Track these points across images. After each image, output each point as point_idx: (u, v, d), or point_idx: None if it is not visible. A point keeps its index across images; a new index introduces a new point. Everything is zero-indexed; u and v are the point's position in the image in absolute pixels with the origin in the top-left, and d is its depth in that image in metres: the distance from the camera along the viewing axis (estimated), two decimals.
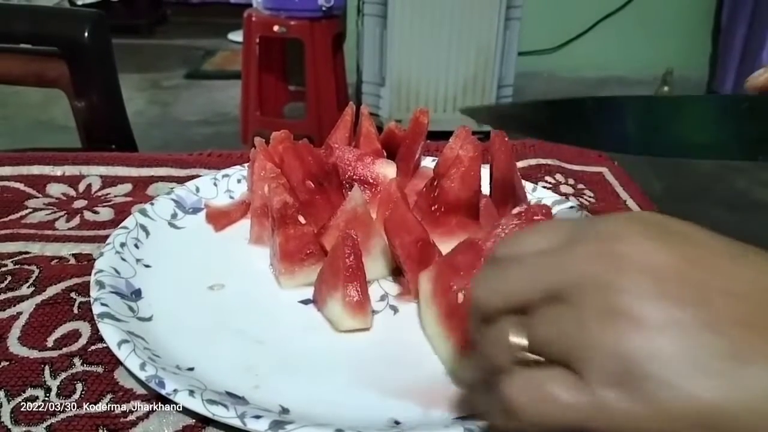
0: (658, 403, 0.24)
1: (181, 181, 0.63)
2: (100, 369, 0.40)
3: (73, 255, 0.52)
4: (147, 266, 0.49)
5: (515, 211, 0.41)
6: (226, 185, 0.60)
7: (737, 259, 0.26)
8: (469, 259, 0.43)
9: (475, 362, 0.30)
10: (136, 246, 0.51)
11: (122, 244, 0.50)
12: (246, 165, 0.61)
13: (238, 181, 0.61)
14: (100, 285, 0.44)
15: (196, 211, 0.57)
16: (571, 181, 0.68)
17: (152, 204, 0.55)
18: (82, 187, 0.63)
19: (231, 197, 0.60)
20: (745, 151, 0.42)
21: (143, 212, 0.54)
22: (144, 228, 0.53)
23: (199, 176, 0.62)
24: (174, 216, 0.56)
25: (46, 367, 0.40)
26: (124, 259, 0.49)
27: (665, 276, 0.25)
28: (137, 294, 0.46)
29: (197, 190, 0.59)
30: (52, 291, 0.47)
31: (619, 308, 0.25)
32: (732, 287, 0.25)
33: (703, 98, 0.44)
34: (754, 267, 0.26)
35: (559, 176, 0.68)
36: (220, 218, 0.56)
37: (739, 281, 0.26)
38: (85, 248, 0.53)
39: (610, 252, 0.26)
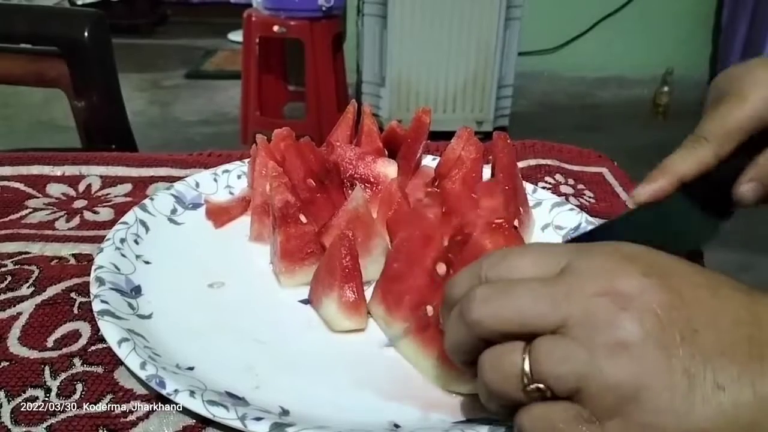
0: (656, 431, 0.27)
1: None
2: (100, 369, 0.40)
3: (73, 255, 0.52)
4: (147, 262, 0.49)
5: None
6: (226, 181, 0.60)
7: (716, 291, 0.29)
8: (403, 266, 0.44)
9: (479, 385, 0.31)
10: (136, 242, 0.51)
11: (122, 240, 0.50)
12: (246, 161, 0.61)
13: (238, 177, 0.61)
14: (100, 281, 0.44)
15: (195, 206, 0.57)
16: (571, 182, 0.68)
17: (152, 199, 0.55)
18: (82, 187, 0.63)
19: (231, 193, 0.59)
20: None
21: (143, 207, 0.54)
22: (144, 223, 0.53)
23: None
24: (174, 211, 0.56)
25: (46, 368, 0.40)
26: (123, 255, 0.48)
27: (662, 312, 0.28)
28: (137, 291, 0.46)
29: (197, 185, 0.59)
30: (52, 291, 0.47)
31: (625, 344, 0.28)
32: (713, 319, 0.28)
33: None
34: (728, 299, 0.29)
35: (559, 176, 0.68)
36: (220, 214, 0.56)
37: (720, 314, 0.29)
38: (85, 248, 0.53)
39: (613, 290, 0.28)
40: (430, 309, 0.42)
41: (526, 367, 0.28)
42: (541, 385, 0.28)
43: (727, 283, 0.30)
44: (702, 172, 0.44)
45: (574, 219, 0.56)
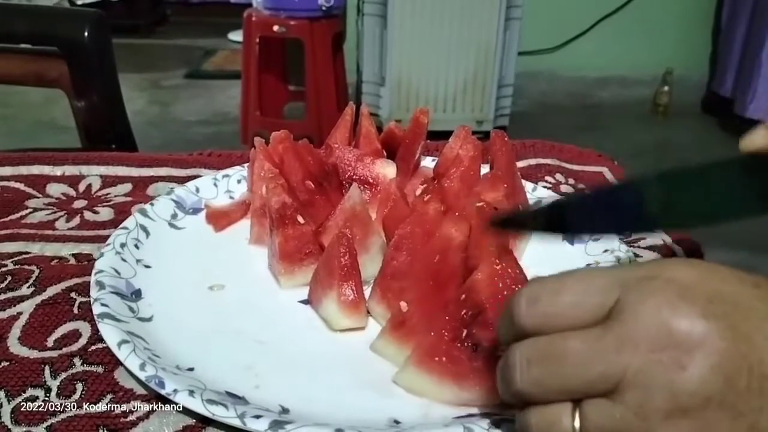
0: None
1: (181, 181, 0.63)
2: (100, 369, 0.40)
3: (73, 255, 0.52)
4: (147, 267, 0.49)
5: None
6: (226, 185, 0.60)
7: None
8: (403, 263, 0.43)
9: None
10: (137, 246, 0.51)
11: (122, 245, 0.50)
12: (246, 165, 0.61)
13: (238, 181, 0.61)
14: (100, 285, 0.44)
15: (196, 211, 0.57)
16: (571, 181, 0.68)
17: (152, 204, 0.55)
18: (82, 187, 0.63)
19: (231, 197, 0.60)
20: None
21: (143, 212, 0.54)
22: (144, 228, 0.53)
23: (199, 176, 0.62)
24: (174, 216, 0.56)
25: (46, 367, 0.40)
26: (124, 260, 0.48)
27: (726, 364, 0.25)
28: (137, 294, 0.46)
29: (197, 190, 0.59)
30: (52, 291, 0.47)
31: (687, 408, 0.25)
32: None
33: (704, 169, 0.44)
34: None
35: (559, 176, 0.68)
36: (220, 218, 0.56)
37: None
38: (85, 248, 0.53)
39: (669, 344, 0.25)
40: (404, 305, 0.42)
41: (576, 426, 0.26)
42: None
43: None
44: None
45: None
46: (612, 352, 0.26)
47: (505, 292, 0.38)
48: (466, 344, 0.38)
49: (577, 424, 0.26)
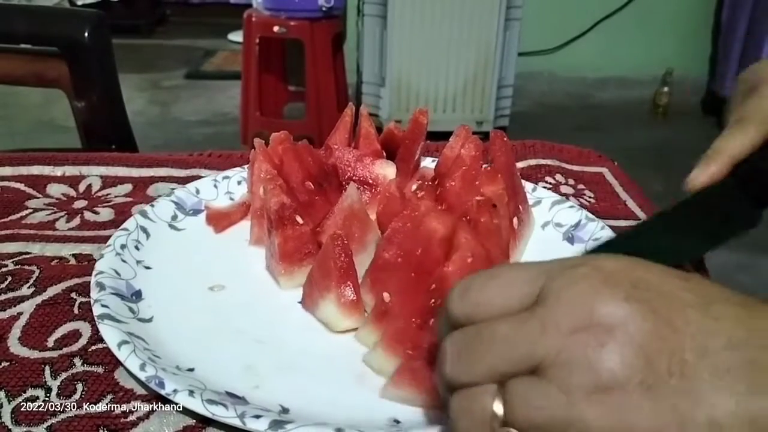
0: None
1: (181, 181, 0.63)
2: (100, 369, 0.40)
3: (74, 255, 0.52)
4: (147, 268, 0.49)
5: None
6: (226, 187, 0.60)
7: (707, 309, 0.26)
8: (393, 256, 0.44)
9: (450, 427, 0.29)
10: (137, 248, 0.51)
11: (122, 246, 0.50)
12: (246, 167, 0.61)
13: (239, 182, 0.61)
14: (101, 286, 0.44)
15: (196, 212, 0.57)
16: (571, 182, 0.68)
17: (152, 206, 0.55)
18: (82, 187, 0.63)
19: (231, 199, 0.60)
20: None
21: (143, 214, 0.54)
22: (144, 230, 0.53)
23: (200, 177, 0.62)
24: (174, 218, 0.56)
25: (47, 368, 0.40)
26: (124, 261, 0.49)
27: (647, 344, 0.25)
28: (137, 295, 0.46)
29: (197, 191, 0.59)
30: (52, 291, 0.47)
31: (607, 386, 0.25)
32: (703, 344, 0.25)
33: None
34: (722, 319, 0.26)
35: (559, 176, 0.68)
36: (220, 220, 0.56)
37: (712, 337, 0.26)
38: (85, 248, 0.53)
39: (591, 324, 0.26)
40: (386, 296, 0.42)
41: (499, 412, 0.26)
42: (514, 430, 0.26)
43: (720, 296, 0.27)
44: (751, 151, 0.44)
45: (574, 216, 0.57)
46: (536, 333, 0.26)
47: None
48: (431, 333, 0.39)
49: (499, 406, 0.26)
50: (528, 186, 0.60)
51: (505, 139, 0.57)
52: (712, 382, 0.25)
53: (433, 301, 0.40)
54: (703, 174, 0.45)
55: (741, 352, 0.25)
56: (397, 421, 0.37)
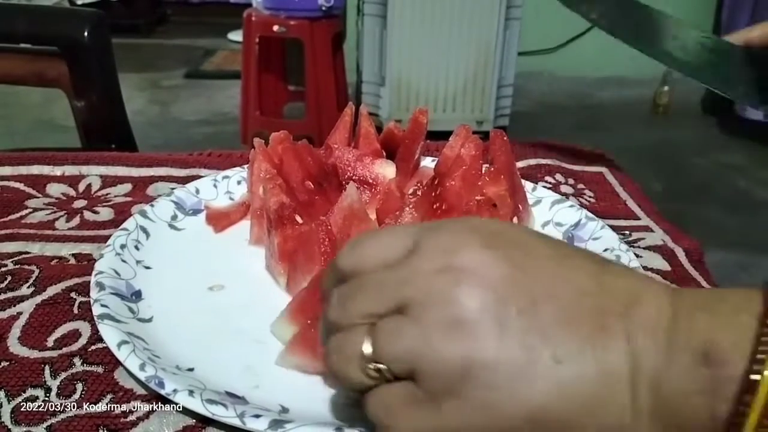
0: (493, 409, 0.26)
1: (181, 181, 0.63)
2: (100, 369, 0.40)
3: (73, 255, 0.52)
4: (147, 268, 0.49)
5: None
6: (226, 187, 0.60)
7: (562, 261, 0.29)
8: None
9: (328, 370, 0.31)
10: (137, 248, 0.51)
11: (122, 246, 0.50)
12: (246, 166, 0.61)
13: (238, 182, 0.61)
14: (100, 286, 0.44)
15: (196, 212, 0.57)
16: (571, 181, 0.68)
17: (152, 206, 0.55)
18: (82, 187, 0.63)
19: (231, 199, 0.60)
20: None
21: (143, 214, 0.54)
22: (144, 229, 0.53)
23: (199, 176, 0.62)
24: (174, 218, 0.56)
25: (46, 367, 0.40)
26: (124, 261, 0.49)
27: (500, 285, 0.27)
28: (137, 295, 0.46)
29: (197, 191, 0.59)
30: (52, 291, 0.47)
31: (459, 321, 0.27)
32: (554, 290, 0.27)
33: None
34: (575, 269, 0.28)
35: (559, 176, 0.69)
36: (220, 219, 0.56)
37: (563, 285, 0.28)
38: (85, 248, 0.53)
39: (450, 266, 0.28)
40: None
41: (367, 349, 0.28)
42: (380, 366, 0.28)
43: (579, 254, 0.30)
44: None
45: (574, 215, 0.57)
46: (403, 277, 0.28)
47: None
48: None
49: (368, 345, 0.28)
50: (528, 185, 0.61)
51: (505, 138, 0.57)
52: (558, 323, 0.27)
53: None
54: (749, 33, 0.49)
55: (587, 300, 0.27)
56: None
